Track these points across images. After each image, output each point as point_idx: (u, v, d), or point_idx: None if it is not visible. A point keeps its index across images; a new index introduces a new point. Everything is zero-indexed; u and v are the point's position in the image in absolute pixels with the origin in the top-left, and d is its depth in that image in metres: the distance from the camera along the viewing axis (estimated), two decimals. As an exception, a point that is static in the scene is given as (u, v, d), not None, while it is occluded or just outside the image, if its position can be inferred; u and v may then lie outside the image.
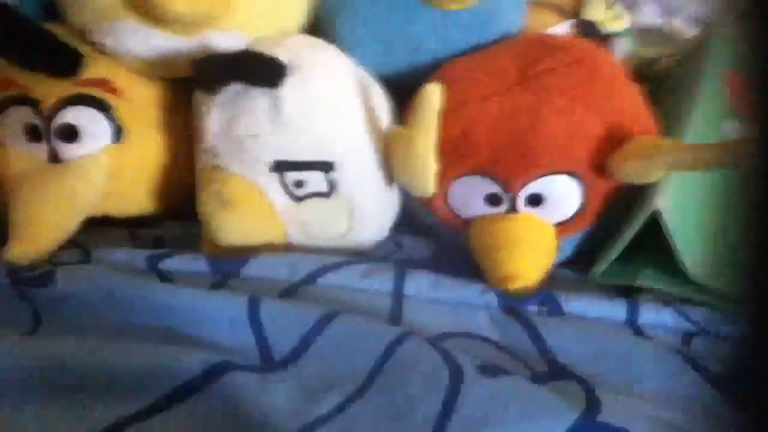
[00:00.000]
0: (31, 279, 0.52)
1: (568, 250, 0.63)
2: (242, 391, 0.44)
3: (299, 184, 0.59)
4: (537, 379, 0.48)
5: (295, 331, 0.49)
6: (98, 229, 0.63)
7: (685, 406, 0.47)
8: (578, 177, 0.58)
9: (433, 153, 0.56)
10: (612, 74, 0.61)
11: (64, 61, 0.59)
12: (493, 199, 0.60)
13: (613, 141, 0.57)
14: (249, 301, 0.50)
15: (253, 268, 0.56)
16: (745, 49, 0.31)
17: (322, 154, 0.58)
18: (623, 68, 0.64)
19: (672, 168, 0.55)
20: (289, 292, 0.54)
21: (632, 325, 0.55)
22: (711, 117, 0.67)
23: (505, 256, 0.57)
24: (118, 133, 0.62)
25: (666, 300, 0.57)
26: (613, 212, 0.61)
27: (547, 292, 0.56)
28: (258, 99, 0.58)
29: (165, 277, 0.55)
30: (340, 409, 0.44)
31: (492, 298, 0.55)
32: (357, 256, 0.60)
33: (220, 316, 0.50)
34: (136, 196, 0.65)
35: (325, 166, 0.59)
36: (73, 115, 0.60)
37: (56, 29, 0.62)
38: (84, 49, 0.61)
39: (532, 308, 0.55)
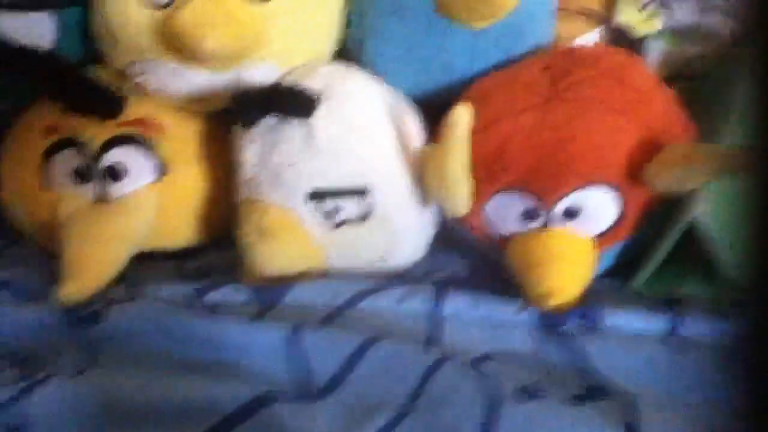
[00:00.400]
0: (84, 317, 0.55)
1: (607, 262, 0.62)
2: (286, 420, 0.45)
3: (336, 210, 0.60)
4: (577, 397, 0.48)
5: (336, 358, 0.50)
6: (146, 263, 0.65)
7: (731, 417, 0.46)
8: (615, 188, 0.58)
9: (466, 172, 0.57)
10: (644, 82, 0.60)
11: (106, 104, 0.62)
12: (529, 215, 0.60)
13: (649, 150, 0.57)
14: (291, 329, 0.52)
15: (294, 296, 0.57)
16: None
17: (357, 179, 0.59)
18: (655, 75, 0.63)
19: (711, 175, 0.54)
20: (329, 318, 0.55)
21: (675, 337, 0.54)
22: (753, 118, 0.65)
23: (542, 273, 0.57)
24: (162, 169, 0.64)
25: (710, 309, 0.56)
26: (653, 221, 0.60)
27: (586, 307, 0.56)
28: (293, 130, 0.59)
29: (210, 309, 0.57)
30: (383, 433, 0.45)
31: (531, 316, 0.55)
32: (395, 278, 0.61)
33: (263, 347, 0.51)
34: (181, 230, 0.67)
35: (361, 192, 0.60)
36: (117, 155, 0.62)
37: (98, 71, 0.65)
38: (125, 89, 0.64)
39: (572, 325, 0.55)
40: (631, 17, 0.76)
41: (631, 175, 0.58)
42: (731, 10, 0.76)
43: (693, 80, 0.74)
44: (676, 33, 0.77)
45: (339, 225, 0.61)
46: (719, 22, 0.77)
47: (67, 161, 0.63)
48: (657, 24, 0.77)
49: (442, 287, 0.58)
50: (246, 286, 0.59)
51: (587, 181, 0.58)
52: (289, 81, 0.62)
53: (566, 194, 0.58)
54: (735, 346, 0.49)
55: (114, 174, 0.63)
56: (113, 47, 0.65)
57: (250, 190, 0.61)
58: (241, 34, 0.60)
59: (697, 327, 0.54)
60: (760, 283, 0.30)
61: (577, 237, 0.59)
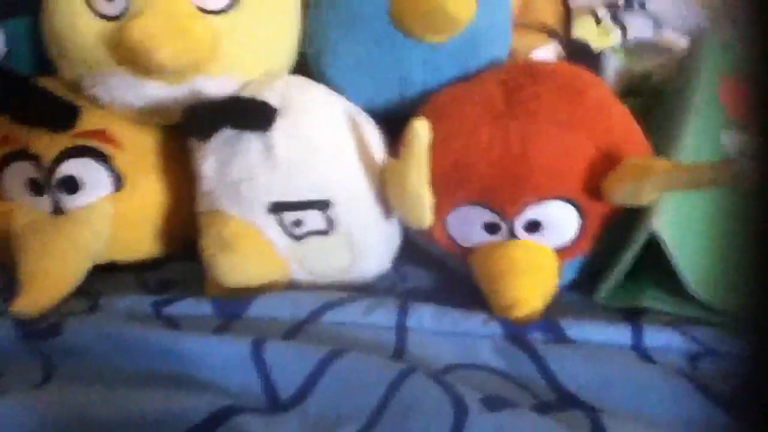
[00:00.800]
0: (40, 331, 0.53)
1: (570, 275, 0.63)
2: (250, 432, 0.45)
3: (297, 223, 0.60)
4: (542, 408, 0.48)
5: (299, 371, 0.50)
6: (105, 275, 0.64)
7: (693, 430, 0.47)
8: (573, 202, 0.59)
9: (427, 186, 0.57)
10: (599, 96, 0.61)
11: (60, 115, 0.60)
12: (491, 228, 0.60)
13: (606, 163, 0.58)
14: (253, 343, 0.51)
15: (257, 309, 0.56)
16: (744, 54, 0.31)
17: (318, 192, 0.59)
18: (610, 89, 0.64)
19: (665, 189, 0.56)
20: (293, 331, 0.55)
21: (638, 348, 0.54)
22: (709, 128, 0.67)
23: (506, 284, 0.58)
24: (119, 182, 0.63)
25: (671, 321, 0.57)
26: (614, 233, 0.61)
27: (550, 318, 0.56)
28: (250, 142, 0.59)
29: (170, 322, 0.56)
30: (348, 447, 0.45)
31: (496, 328, 0.55)
32: (360, 290, 0.61)
33: (225, 360, 0.50)
34: (140, 242, 0.66)
35: (322, 205, 0.59)
36: (72, 167, 0.61)
37: (50, 83, 0.63)
38: (79, 101, 0.62)
39: (537, 336, 0.55)
40: (586, 33, 0.78)
41: (589, 189, 0.58)
42: (685, 24, 0.78)
43: (648, 95, 0.75)
44: (631, 48, 0.79)
45: (302, 237, 0.60)
46: (671, 38, 0.80)
47: (20, 173, 0.62)
48: (612, 39, 0.79)
49: (406, 300, 0.58)
50: (208, 299, 0.58)
51: (543, 195, 0.58)
52: (246, 94, 0.62)
53: (525, 208, 0.59)
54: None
55: (69, 186, 0.61)
56: (64, 58, 0.63)
57: (209, 202, 0.61)
58: (193, 47, 0.59)
59: (658, 339, 0.55)
60: (758, 301, 0.31)
61: (539, 249, 0.59)
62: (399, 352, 0.54)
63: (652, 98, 0.75)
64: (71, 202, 0.61)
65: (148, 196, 0.65)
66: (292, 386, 0.49)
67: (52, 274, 0.58)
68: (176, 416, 0.45)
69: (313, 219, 0.60)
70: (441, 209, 0.60)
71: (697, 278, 0.56)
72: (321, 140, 0.60)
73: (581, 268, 0.63)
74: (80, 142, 0.61)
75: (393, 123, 0.64)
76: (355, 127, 0.62)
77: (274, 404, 0.49)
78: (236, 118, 0.58)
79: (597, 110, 0.60)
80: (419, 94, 0.65)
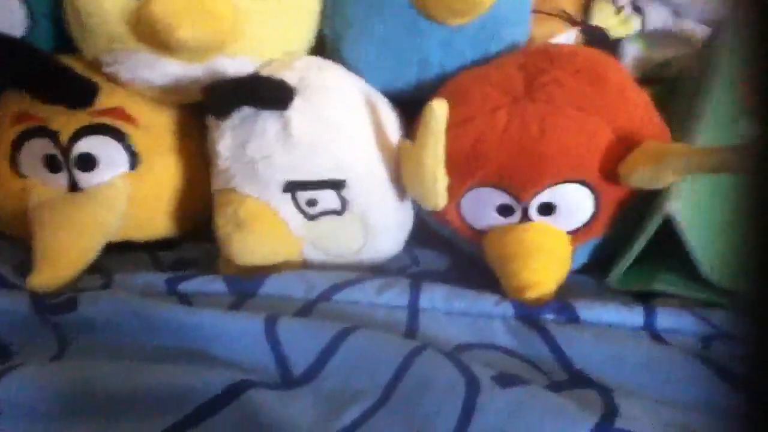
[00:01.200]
0: (56, 306, 0.54)
1: (584, 258, 0.63)
2: (263, 407, 0.45)
3: (312, 202, 0.60)
4: (554, 387, 0.48)
5: (312, 347, 0.50)
6: (119, 253, 0.64)
7: (705, 411, 0.47)
8: (589, 185, 0.58)
9: (442, 167, 0.57)
10: (618, 81, 0.61)
11: (79, 92, 0.61)
12: (505, 210, 0.60)
13: (623, 147, 0.58)
14: (266, 319, 0.51)
15: (270, 287, 0.57)
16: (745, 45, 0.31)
17: (333, 172, 0.59)
18: (630, 74, 0.64)
19: (682, 173, 0.55)
20: (305, 309, 0.55)
21: (650, 330, 0.54)
22: (726, 117, 0.66)
23: (519, 266, 0.58)
24: (135, 160, 0.63)
25: (684, 304, 0.57)
26: (627, 218, 0.61)
27: (563, 300, 0.56)
28: (267, 121, 0.59)
29: (184, 299, 0.56)
30: (360, 422, 0.45)
31: (508, 308, 0.56)
32: (372, 271, 0.61)
33: (238, 336, 0.51)
34: (155, 220, 0.66)
35: (337, 184, 0.60)
36: (89, 145, 0.61)
37: (70, 61, 0.64)
38: (97, 79, 0.63)
39: (549, 317, 0.55)
40: (606, 20, 0.78)
41: (605, 172, 0.58)
42: (705, 14, 0.78)
43: (667, 82, 0.75)
44: (650, 36, 0.79)
45: (315, 217, 0.60)
46: (691, 28, 0.79)
47: (37, 150, 0.62)
48: (631, 27, 0.78)
49: (418, 280, 0.58)
50: (221, 277, 0.58)
51: (559, 178, 0.58)
52: (265, 73, 0.62)
53: (540, 191, 0.59)
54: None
55: (86, 163, 0.62)
56: (85, 36, 0.63)
57: (225, 181, 0.61)
58: (215, 26, 0.59)
59: (670, 321, 0.55)
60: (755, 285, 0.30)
61: (553, 231, 0.59)
62: (411, 331, 0.54)
63: (671, 87, 0.75)
64: (88, 179, 0.62)
65: (164, 175, 0.65)
66: (305, 362, 0.49)
67: (67, 250, 0.59)
68: (191, 390, 0.46)
69: (327, 199, 0.60)
70: (455, 191, 0.60)
71: (710, 261, 0.56)
72: (338, 120, 0.60)
73: (594, 251, 0.63)
74: (98, 119, 0.62)
75: (409, 107, 0.64)
76: (372, 109, 0.62)
77: (287, 380, 0.49)
78: (255, 97, 0.59)
79: (616, 95, 0.60)
80: (437, 77, 0.65)
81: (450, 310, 0.56)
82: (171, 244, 0.68)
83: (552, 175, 0.58)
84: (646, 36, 0.79)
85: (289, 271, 0.59)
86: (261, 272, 0.58)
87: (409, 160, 0.60)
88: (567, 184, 0.59)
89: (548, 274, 0.58)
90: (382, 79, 0.66)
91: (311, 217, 0.60)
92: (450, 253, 0.67)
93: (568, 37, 0.74)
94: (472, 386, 0.45)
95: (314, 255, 0.62)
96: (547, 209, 0.59)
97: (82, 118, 0.61)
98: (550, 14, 0.75)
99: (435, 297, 0.56)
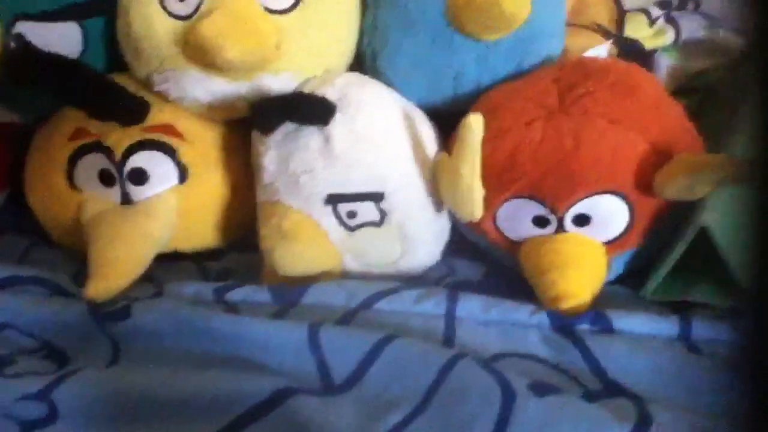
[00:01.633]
0: (110, 314, 0.57)
1: (619, 269, 0.64)
2: (307, 413, 0.47)
3: (352, 214, 0.62)
4: (589, 396, 0.49)
5: (353, 355, 0.52)
6: (168, 263, 0.67)
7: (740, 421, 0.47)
8: (624, 196, 0.59)
9: (479, 179, 0.58)
10: (652, 93, 0.62)
11: (131, 109, 0.64)
12: (540, 221, 0.61)
13: (658, 159, 0.58)
14: (309, 328, 0.53)
15: (312, 297, 0.59)
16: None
17: (373, 185, 0.61)
18: (664, 86, 0.65)
19: (717, 184, 0.56)
20: (346, 318, 0.57)
21: (685, 340, 0.55)
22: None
23: (555, 277, 0.59)
24: (184, 174, 0.66)
25: (720, 314, 0.57)
26: (662, 228, 0.62)
27: (598, 310, 0.57)
28: (310, 137, 0.61)
29: (231, 308, 0.58)
30: (399, 428, 0.47)
31: (543, 318, 0.57)
32: (410, 281, 0.63)
33: (283, 344, 0.53)
34: (202, 232, 0.69)
35: (376, 197, 0.61)
36: (141, 160, 0.64)
37: (122, 80, 0.67)
38: (148, 97, 0.66)
39: (584, 327, 0.56)
40: (639, 32, 0.78)
41: (640, 184, 0.59)
42: (738, 25, 0.78)
43: (701, 93, 0.75)
44: (684, 48, 0.79)
45: (355, 228, 0.62)
46: (726, 38, 0.79)
47: (92, 164, 0.65)
48: (665, 39, 0.78)
49: (455, 290, 0.60)
50: (266, 287, 0.60)
51: (595, 189, 0.59)
52: (306, 90, 0.64)
53: (575, 202, 0.60)
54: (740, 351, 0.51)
55: (137, 177, 0.65)
56: (137, 56, 0.67)
57: (270, 194, 0.63)
58: (260, 45, 0.62)
59: (706, 332, 0.55)
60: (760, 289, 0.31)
61: (588, 242, 0.60)
62: (448, 340, 0.55)
63: (706, 98, 0.75)
64: (139, 192, 0.65)
65: (211, 188, 0.68)
66: (346, 370, 0.51)
67: (120, 261, 0.62)
68: (237, 396, 0.48)
69: (367, 210, 0.62)
70: (491, 202, 0.61)
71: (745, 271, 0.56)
72: (377, 135, 0.62)
73: (629, 262, 0.64)
74: (149, 135, 0.65)
75: (446, 120, 0.66)
76: (410, 123, 0.64)
77: (329, 387, 0.51)
78: (298, 113, 0.61)
79: (650, 107, 0.61)
80: (473, 92, 0.67)
81: (486, 320, 0.57)
82: (217, 254, 0.71)
83: (587, 187, 0.59)
84: (680, 47, 0.79)
85: (330, 280, 0.61)
86: (303, 282, 0.60)
87: (446, 173, 0.61)
88: (602, 195, 0.60)
89: (583, 285, 0.59)
90: (419, 93, 0.68)
91: (351, 229, 0.62)
92: (486, 263, 0.68)
93: (602, 49, 0.75)
94: (508, 394, 0.46)
95: (353, 265, 0.64)
96: (582, 220, 0.60)
97: (134, 134, 0.64)
98: (584, 27, 0.76)
99: (471, 307, 0.58)
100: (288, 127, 0.62)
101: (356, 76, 0.66)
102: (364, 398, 0.49)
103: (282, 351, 0.53)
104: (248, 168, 0.67)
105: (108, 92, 0.64)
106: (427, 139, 0.65)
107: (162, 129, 0.65)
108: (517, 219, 0.62)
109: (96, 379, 0.51)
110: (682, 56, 0.79)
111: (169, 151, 0.65)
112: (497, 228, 0.64)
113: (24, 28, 0.66)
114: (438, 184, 0.63)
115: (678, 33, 0.79)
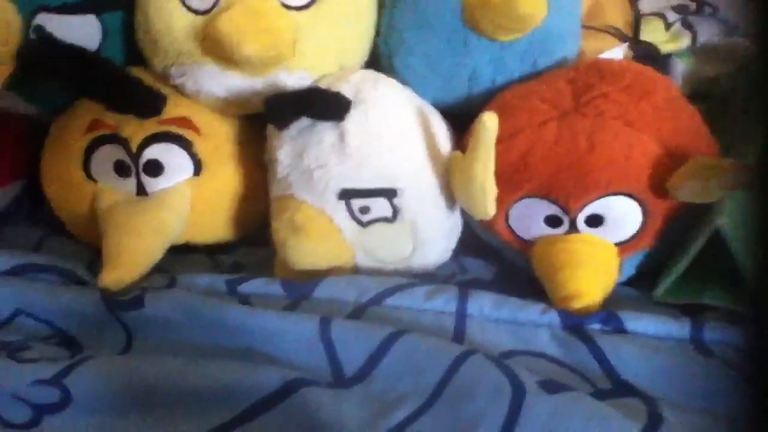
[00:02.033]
0: (124, 303, 0.57)
1: (630, 270, 0.64)
2: (317, 404, 0.47)
3: (365, 210, 0.62)
4: (599, 395, 0.49)
5: (363, 349, 0.52)
6: (181, 255, 0.68)
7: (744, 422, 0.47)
8: (637, 198, 0.59)
9: (492, 178, 0.59)
10: (667, 96, 0.62)
11: (148, 102, 0.64)
12: (552, 221, 0.62)
13: (672, 162, 0.58)
14: (320, 321, 0.53)
15: (323, 291, 0.59)
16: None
17: (386, 181, 0.62)
18: (679, 90, 0.65)
19: (731, 188, 0.56)
20: (357, 312, 0.57)
21: (697, 342, 0.55)
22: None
23: (566, 276, 0.59)
24: (198, 167, 0.66)
25: (732, 317, 0.57)
26: (675, 231, 0.62)
27: (609, 310, 0.57)
28: (324, 132, 0.62)
29: (243, 300, 0.59)
30: (408, 423, 0.47)
31: (554, 317, 0.57)
32: (421, 278, 0.63)
33: (294, 336, 0.53)
34: (215, 225, 0.69)
35: (389, 193, 0.62)
36: (157, 152, 0.65)
37: (140, 73, 0.68)
38: (165, 90, 0.66)
39: (595, 326, 0.56)
40: (655, 36, 0.78)
41: (654, 186, 0.59)
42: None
43: (717, 98, 0.75)
44: (700, 52, 0.79)
45: (368, 224, 0.63)
46: (742, 43, 0.79)
47: (109, 155, 0.66)
48: (681, 44, 0.78)
49: (466, 288, 0.60)
50: (278, 280, 0.60)
51: (608, 190, 0.59)
52: (322, 85, 0.65)
53: (588, 203, 0.60)
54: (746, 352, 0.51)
55: (153, 169, 0.65)
56: (154, 50, 0.67)
57: (283, 188, 0.64)
58: (277, 41, 0.62)
59: (718, 334, 0.55)
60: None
61: (600, 243, 0.60)
62: (458, 337, 0.55)
63: (721, 102, 0.75)
64: (154, 184, 0.65)
65: (225, 181, 0.68)
66: (356, 363, 0.52)
67: (134, 251, 0.63)
68: (248, 386, 0.49)
69: (379, 206, 0.62)
70: (504, 202, 0.61)
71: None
72: (391, 131, 0.62)
73: (642, 263, 0.64)
74: (165, 128, 0.65)
75: (460, 119, 0.66)
76: (424, 121, 0.64)
77: (339, 380, 0.51)
78: (313, 109, 0.62)
79: (665, 110, 0.61)
80: (487, 92, 0.67)
81: (497, 318, 0.57)
82: (229, 248, 0.71)
83: (600, 188, 0.59)
84: (696, 52, 0.79)
85: (342, 275, 0.62)
86: (314, 276, 0.61)
87: (459, 171, 0.62)
88: (615, 196, 0.60)
89: (595, 285, 0.59)
90: (433, 92, 0.68)
91: (364, 224, 0.63)
92: (497, 261, 0.68)
93: (617, 52, 0.75)
94: (518, 390, 0.47)
95: (365, 261, 0.64)
96: (595, 221, 0.60)
97: (150, 127, 0.65)
98: (599, 30, 0.76)
99: (482, 304, 0.58)
100: (303, 122, 0.63)
101: (371, 73, 0.67)
102: (374, 392, 0.50)
103: (293, 343, 0.53)
104: (262, 163, 0.67)
105: (126, 85, 0.64)
106: (441, 137, 0.65)
107: (178, 122, 0.66)
108: (529, 218, 0.62)
109: (109, 366, 0.51)
110: (697, 61, 0.79)
111: (185, 144, 0.66)
112: (509, 227, 0.64)
113: (44, 20, 0.67)
114: (451, 182, 0.63)
115: (694, 38, 0.79)
